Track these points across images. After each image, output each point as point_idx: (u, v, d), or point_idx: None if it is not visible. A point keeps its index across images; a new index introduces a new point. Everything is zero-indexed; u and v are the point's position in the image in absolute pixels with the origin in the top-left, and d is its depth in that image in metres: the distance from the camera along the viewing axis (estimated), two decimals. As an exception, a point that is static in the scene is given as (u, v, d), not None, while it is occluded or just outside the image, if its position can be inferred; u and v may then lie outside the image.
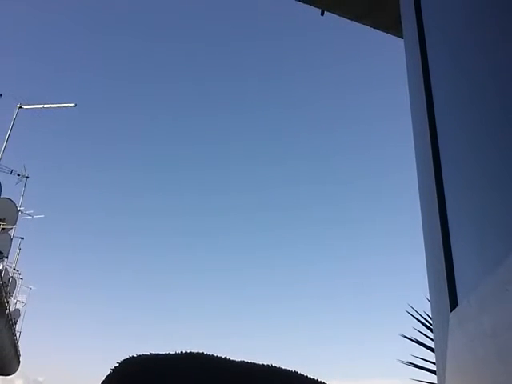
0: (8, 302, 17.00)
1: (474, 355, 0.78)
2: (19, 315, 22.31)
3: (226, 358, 2.79)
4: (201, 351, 2.83)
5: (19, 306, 22.66)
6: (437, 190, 1.01)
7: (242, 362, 2.83)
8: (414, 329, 4.15)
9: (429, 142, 1.09)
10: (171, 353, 2.77)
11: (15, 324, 20.46)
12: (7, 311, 16.56)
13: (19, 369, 23.24)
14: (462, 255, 0.92)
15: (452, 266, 0.93)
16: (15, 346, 20.69)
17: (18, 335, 21.41)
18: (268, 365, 2.89)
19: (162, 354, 2.77)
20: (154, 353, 2.76)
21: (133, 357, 2.73)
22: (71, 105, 16.77)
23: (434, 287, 1.03)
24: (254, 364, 2.86)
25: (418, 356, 3.97)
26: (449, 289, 0.92)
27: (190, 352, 2.80)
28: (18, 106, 15.65)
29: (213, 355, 2.80)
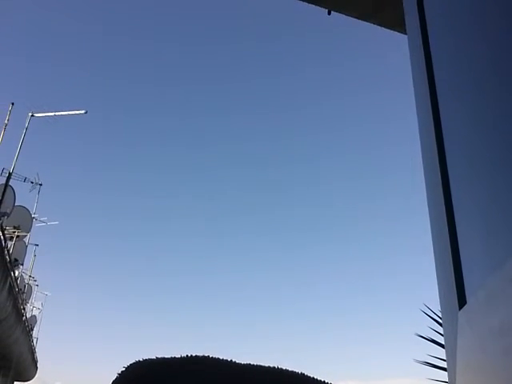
0: (24, 309, 17.19)
1: (483, 354, 0.77)
2: (36, 321, 22.56)
3: (231, 360, 2.78)
4: (206, 354, 2.83)
5: (35, 312, 22.92)
6: (443, 186, 1.00)
7: (248, 365, 2.82)
8: (429, 328, 4.12)
9: (434, 138, 1.08)
10: (177, 356, 2.76)
11: (32, 330, 20.68)
12: (24, 318, 16.74)
13: (37, 375, 23.50)
14: (469, 252, 0.90)
15: (460, 263, 0.92)
16: (32, 352, 20.91)
17: (34, 341, 21.65)
18: (274, 367, 2.87)
19: (167, 358, 2.77)
20: (159, 357, 2.76)
21: (139, 361, 2.74)
22: (82, 112, 16.92)
23: (442, 285, 1.02)
24: (261, 366, 2.85)
25: (434, 355, 3.95)
26: (457, 286, 0.91)
27: (196, 355, 2.80)
28: (30, 114, 15.83)
29: (218, 358, 2.79)
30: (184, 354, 2.78)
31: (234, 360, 2.81)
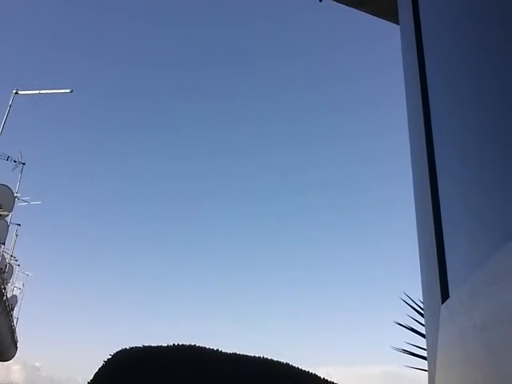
0: (5, 289, 17.08)
1: (464, 347, 0.78)
2: (16, 301, 22.42)
3: (217, 350, 2.80)
4: (192, 343, 2.84)
5: (16, 292, 22.78)
6: (430, 184, 1.00)
7: (234, 354, 2.84)
8: (408, 316, 4.18)
9: (423, 130, 1.07)
10: (163, 345, 2.77)
11: (12, 310, 20.57)
12: (4, 297, 16.63)
13: (16, 354, 23.44)
14: (453, 248, 0.91)
15: (444, 258, 0.92)
16: (12, 332, 20.82)
17: (15, 321, 21.55)
18: (259, 357, 2.89)
19: (153, 347, 2.77)
20: (146, 345, 2.76)
21: (125, 349, 2.74)
22: (67, 90, 16.66)
23: (426, 278, 1.03)
24: (246, 356, 2.87)
25: (412, 343, 4.01)
26: (440, 281, 0.92)
27: (182, 344, 2.81)
28: (14, 91, 15.55)
29: (204, 347, 2.80)
30: (170, 343, 2.79)
31: (219, 349, 2.83)
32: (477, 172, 0.83)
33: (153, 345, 2.86)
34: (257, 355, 2.95)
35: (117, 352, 2.82)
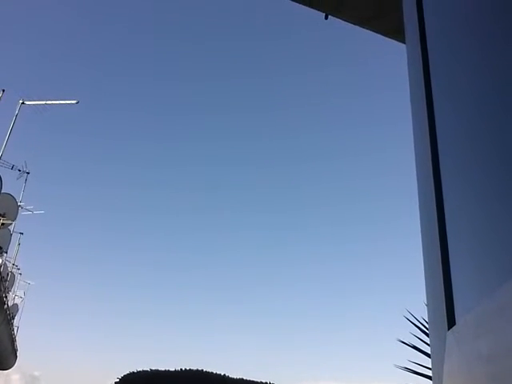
0: (6, 297, 17.05)
1: (470, 377, 0.76)
2: (17, 310, 22.36)
3: (224, 375, 2.78)
4: (200, 368, 2.82)
5: (17, 300, 22.72)
6: (437, 207, 0.99)
7: (240, 380, 2.81)
8: (411, 334, 4.15)
9: (429, 151, 1.06)
10: (171, 369, 2.74)
11: (13, 319, 20.51)
12: (5, 306, 16.59)
13: (16, 363, 23.31)
14: (460, 274, 0.89)
15: (450, 283, 0.91)
16: (12, 340, 20.75)
17: (15, 330, 21.48)
18: (266, 382, 2.86)
19: (161, 371, 2.75)
20: (153, 369, 2.74)
21: (133, 373, 2.72)
22: (73, 102, 16.80)
23: (432, 304, 1.01)
24: (253, 382, 2.84)
25: (415, 361, 3.97)
26: (446, 307, 0.90)
27: (190, 369, 2.78)
28: (21, 101, 15.68)
29: (212, 372, 2.78)
30: (178, 368, 2.76)
31: (226, 374, 2.80)
32: (486, 196, 0.81)
33: (160, 369, 2.83)
34: (263, 381, 2.92)
35: (124, 376, 2.80)
